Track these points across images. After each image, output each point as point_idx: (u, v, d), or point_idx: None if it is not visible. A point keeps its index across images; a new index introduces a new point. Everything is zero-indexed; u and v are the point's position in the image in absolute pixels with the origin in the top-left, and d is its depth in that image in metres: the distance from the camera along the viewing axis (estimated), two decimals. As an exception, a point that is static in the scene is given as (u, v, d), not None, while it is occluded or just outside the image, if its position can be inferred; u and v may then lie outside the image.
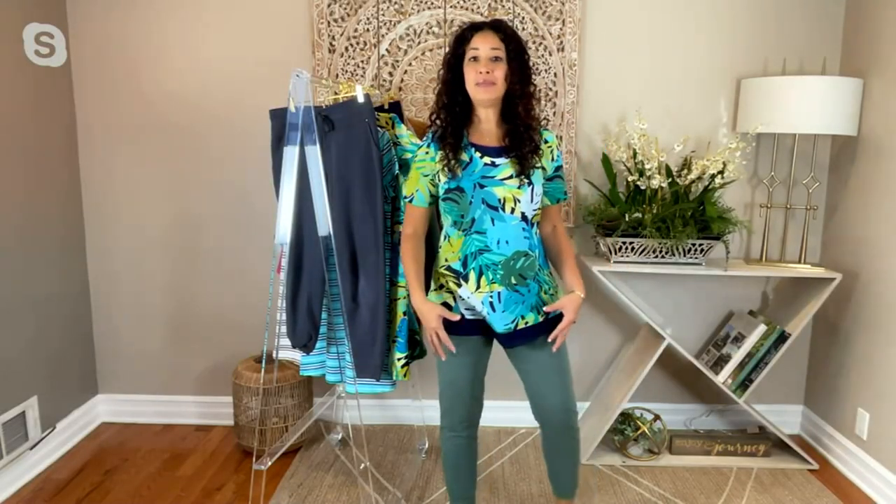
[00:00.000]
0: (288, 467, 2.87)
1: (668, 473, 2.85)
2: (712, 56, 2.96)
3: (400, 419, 3.28)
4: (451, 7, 2.92)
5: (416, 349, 2.58)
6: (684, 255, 2.83)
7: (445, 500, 2.62)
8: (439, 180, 2.02)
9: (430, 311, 2.01)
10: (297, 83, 2.11)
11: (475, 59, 1.94)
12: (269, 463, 2.39)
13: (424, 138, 2.08)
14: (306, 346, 2.47)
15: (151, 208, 3.14)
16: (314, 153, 2.15)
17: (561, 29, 2.93)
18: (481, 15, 2.92)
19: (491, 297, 2.00)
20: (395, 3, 2.93)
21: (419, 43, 2.96)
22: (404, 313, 2.43)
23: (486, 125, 2.03)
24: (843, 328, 2.93)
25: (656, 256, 2.83)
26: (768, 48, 2.95)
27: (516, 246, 1.99)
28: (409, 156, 2.40)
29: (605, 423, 2.93)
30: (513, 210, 1.98)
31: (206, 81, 3.03)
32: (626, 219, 2.78)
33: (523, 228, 2.00)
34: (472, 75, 1.94)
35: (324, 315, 2.48)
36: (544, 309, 2.05)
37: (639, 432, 2.98)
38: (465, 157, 1.99)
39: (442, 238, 2.10)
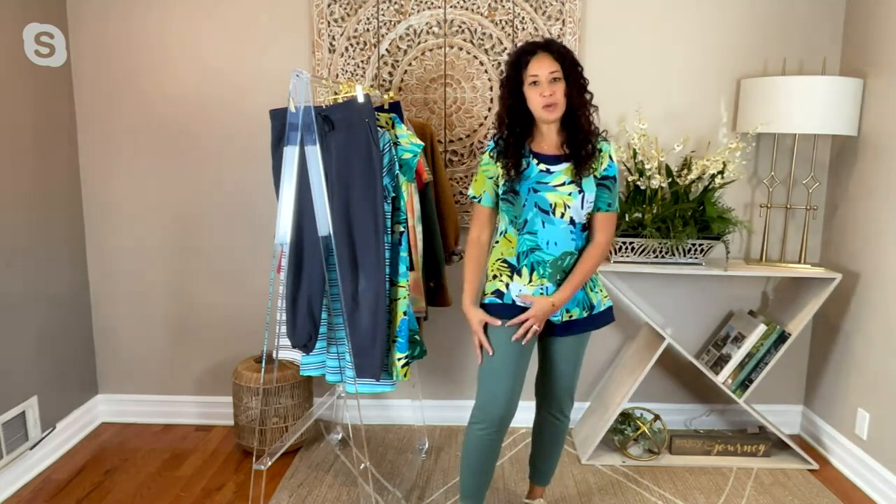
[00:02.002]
0: (288, 467, 2.87)
1: (668, 473, 2.85)
2: (712, 56, 2.96)
3: (400, 419, 3.28)
4: (451, 7, 2.92)
5: (416, 349, 2.57)
6: (684, 255, 2.83)
7: (446, 500, 2.62)
8: (499, 183, 2.15)
9: (473, 317, 2.16)
10: (297, 83, 2.10)
11: (535, 83, 2.04)
12: (269, 463, 2.39)
13: (487, 144, 2.21)
14: (306, 345, 2.46)
15: (151, 208, 3.14)
16: (314, 153, 2.16)
17: (561, 29, 2.93)
18: (481, 15, 2.92)
19: (542, 289, 2.14)
20: (395, 3, 2.93)
21: (419, 43, 2.96)
22: (404, 313, 2.43)
23: (548, 136, 2.14)
24: (843, 328, 2.93)
25: (656, 256, 2.83)
26: (768, 48, 2.95)
27: (564, 247, 2.12)
28: (409, 156, 2.40)
29: (605, 423, 2.93)
30: (562, 214, 2.10)
31: (206, 81, 3.03)
32: (626, 219, 2.78)
33: (571, 231, 2.12)
34: (536, 99, 2.05)
35: (324, 315, 2.48)
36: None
37: (639, 432, 2.98)
38: (522, 164, 2.11)
39: (498, 234, 2.22)
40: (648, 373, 2.89)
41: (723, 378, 2.91)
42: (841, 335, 2.95)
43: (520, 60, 2.07)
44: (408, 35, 2.96)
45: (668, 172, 2.85)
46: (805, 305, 2.88)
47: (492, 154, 2.17)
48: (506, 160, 2.11)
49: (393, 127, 2.42)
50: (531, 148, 2.14)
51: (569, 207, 2.09)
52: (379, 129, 2.33)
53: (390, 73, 2.99)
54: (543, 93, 2.03)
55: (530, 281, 2.14)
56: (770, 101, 2.73)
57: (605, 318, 2.26)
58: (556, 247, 2.11)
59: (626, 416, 3.01)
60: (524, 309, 2.15)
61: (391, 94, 2.83)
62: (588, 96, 2.11)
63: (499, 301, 2.19)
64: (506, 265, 2.18)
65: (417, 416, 3.18)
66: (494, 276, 2.20)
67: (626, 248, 2.82)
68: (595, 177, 2.12)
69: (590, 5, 2.93)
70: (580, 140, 2.08)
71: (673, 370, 3.21)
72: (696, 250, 2.81)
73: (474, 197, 2.23)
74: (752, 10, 2.93)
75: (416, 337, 2.57)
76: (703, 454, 2.96)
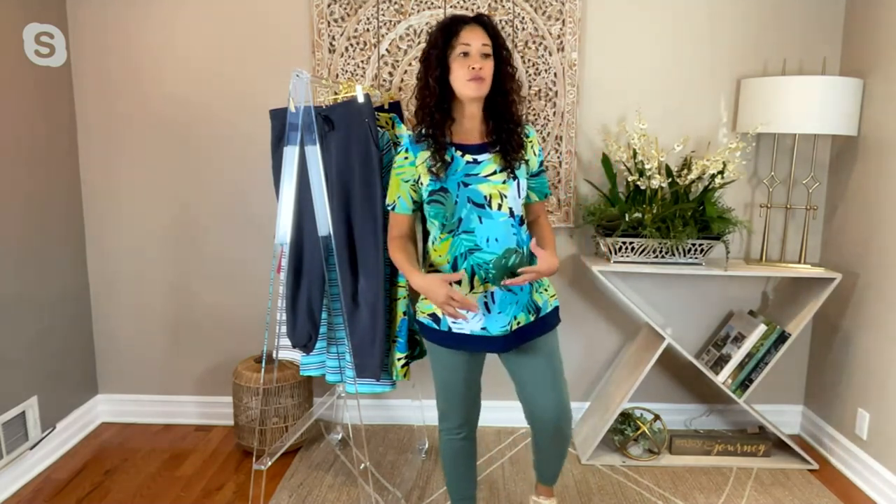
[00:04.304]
0: (288, 467, 2.87)
1: (668, 473, 2.85)
2: (712, 56, 2.96)
3: (400, 419, 3.28)
4: (450, 7, 2.92)
5: (416, 349, 2.58)
6: (684, 255, 2.83)
7: (445, 500, 2.62)
8: (421, 184, 1.96)
9: (432, 284, 1.88)
10: (297, 83, 2.11)
11: (465, 54, 1.88)
12: (269, 463, 2.39)
13: (402, 143, 2.02)
14: (306, 346, 2.47)
15: (151, 208, 3.14)
16: (314, 153, 2.16)
17: (561, 29, 2.93)
18: (481, 15, 2.92)
19: (485, 297, 1.96)
20: (395, 3, 2.93)
21: (419, 43, 2.96)
22: (404, 313, 2.43)
23: (469, 122, 1.98)
24: (843, 328, 2.93)
25: (656, 256, 2.83)
26: (768, 48, 2.95)
27: (506, 243, 1.94)
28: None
29: (605, 423, 2.93)
30: (500, 206, 1.93)
31: (206, 81, 3.03)
32: (626, 219, 2.78)
33: (511, 225, 1.96)
34: (462, 71, 1.88)
35: (324, 315, 2.48)
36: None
37: (639, 432, 2.98)
38: (446, 157, 1.94)
39: (429, 244, 2.05)
40: (648, 373, 2.89)
41: (723, 378, 2.91)
42: (841, 335, 2.95)
43: (450, 29, 1.89)
44: (408, 35, 2.96)
45: (668, 172, 2.85)
46: (805, 305, 2.88)
47: (406, 153, 1.98)
48: (427, 144, 1.93)
49: (393, 127, 2.42)
50: (451, 140, 1.96)
51: (505, 197, 1.92)
52: (379, 129, 2.33)
53: (390, 73, 2.99)
54: (473, 65, 1.86)
55: (472, 288, 1.95)
56: (770, 101, 2.73)
57: (551, 320, 2.08)
58: (496, 244, 1.92)
59: (626, 416, 3.01)
60: (462, 336, 1.99)
61: (391, 94, 2.84)
62: (517, 84, 1.98)
63: (435, 326, 2.03)
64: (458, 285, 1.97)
65: (417, 416, 3.18)
66: None
67: (626, 248, 2.82)
68: (527, 164, 1.99)
69: (590, 5, 2.93)
70: (509, 129, 1.95)
71: (673, 370, 3.21)
72: (696, 250, 2.81)
73: (389, 204, 2.04)
74: (751, 11, 2.93)
75: (416, 337, 2.58)
76: (703, 454, 2.96)
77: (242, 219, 3.13)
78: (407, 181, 1.99)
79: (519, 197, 1.96)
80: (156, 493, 2.68)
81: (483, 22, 1.93)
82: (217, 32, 2.99)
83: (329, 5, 2.94)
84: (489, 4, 2.91)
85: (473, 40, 1.88)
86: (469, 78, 1.88)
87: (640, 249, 2.81)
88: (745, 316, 3.07)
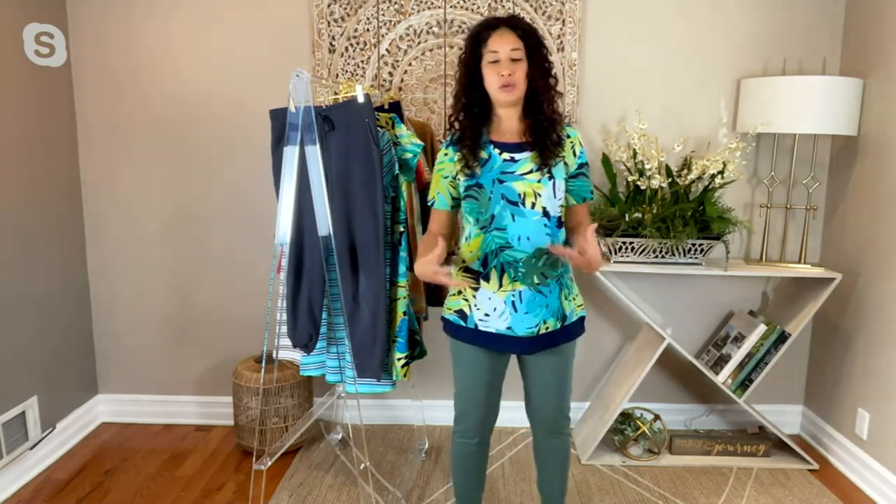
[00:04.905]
0: (288, 467, 2.87)
1: (668, 473, 2.85)
2: (712, 56, 2.96)
3: (400, 419, 3.28)
4: (451, 7, 2.92)
5: (416, 349, 2.58)
6: (684, 255, 2.83)
7: (446, 500, 2.62)
8: (459, 180, 1.99)
9: (420, 264, 1.85)
10: (297, 83, 2.11)
11: (495, 61, 1.89)
12: (269, 463, 2.39)
13: (445, 140, 2.05)
14: (307, 345, 2.47)
15: (151, 208, 3.14)
16: (314, 153, 2.16)
17: (561, 29, 2.93)
18: (481, 15, 2.91)
19: (513, 296, 1.95)
20: (395, 3, 2.93)
21: (419, 43, 2.96)
22: (404, 313, 2.43)
23: (507, 123, 1.99)
24: (843, 328, 2.93)
25: (656, 256, 2.83)
26: (768, 48, 2.95)
27: (538, 242, 1.92)
28: (409, 156, 2.40)
29: (605, 423, 2.93)
30: (533, 205, 1.92)
31: (206, 81, 3.03)
32: (626, 219, 2.78)
33: (545, 224, 1.93)
34: (493, 78, 1.90)
35: (324, 315, 2.48)
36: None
37: (639, 432, 2.98)
38: (483, 154, 1.96)
39: (463, 240, 2.05)
40: (648, 373, 2.89)
41: (723, 378, 2.91)
42: (841, 335, 2.95)
43: (479, 36, 1.91)
44: (408, 35, 2.95)
45: (668, 172, 2.85)
46: (805, 305, 2.88)
47: (447, 150, 2.01)
48: (462, 145, 1.95)
49: (393, 127, 2.42)
50: (490, 138, 1.98)
51: (540, 196, 1.91)
52: (379, 129, 2.33)
53: (390, 73, 2.99)
54: (502, 72, 1.87)
55: (500, 286, 1.95)
56: (770, 101, 2.73)
57: (575, 329, 2.07)
58: (528, 242, 1.91)
59: (626, 416, 3.01)
60: (489, 334, 1.99)
61: (391, 94, 2.83)
62: (553, 81, 1.97)
63: (462, 323, 2.02)
64: (470, 275, 1.99)
65: (417, 416, 3.18)
66: (459, 292, 2.03)
67: (626, 248, 2.82)
68: (566, 164, 1.97)
69: (590, 5, 2.93)
70: (544, 127, 1.94)
71: (673, 370, 3.21)
72: (696, 250, 2.81)
73: (429, 200, 2.07)
74: (752, 11, 2.93)
75: (417, 337, 2.58)
76: (703, 454, 2.96)
77: (242, 219, 3.13)
78: (446, 177, 2.01)
79: (555, 197, 1.94)
80: (156, 493, 2.68)
81: (512, 25, 1.92)
82: (217, 32, 2.99)
83: (329, 5, 2.94)
84: (489, 4, 2.91)
85: (501, 46, 1.88)
86: (499, 85, 1.89)
87: (640, 249, 2.81)
88: (745, 316, 3.07)
